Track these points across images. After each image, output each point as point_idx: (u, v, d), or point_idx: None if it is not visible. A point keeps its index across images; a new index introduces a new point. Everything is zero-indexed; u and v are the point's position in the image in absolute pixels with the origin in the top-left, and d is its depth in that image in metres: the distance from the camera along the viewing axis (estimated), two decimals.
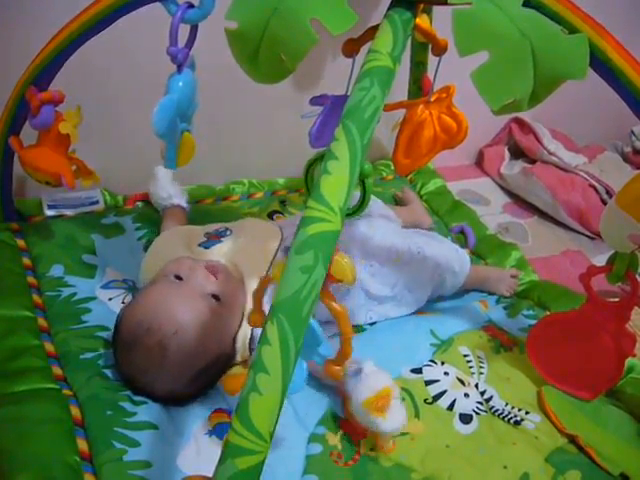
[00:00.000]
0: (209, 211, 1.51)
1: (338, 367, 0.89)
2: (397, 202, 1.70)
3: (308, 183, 0.84)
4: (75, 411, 1.01)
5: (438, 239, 1.40)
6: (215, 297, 1.09)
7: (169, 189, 1.42)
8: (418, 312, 1.35)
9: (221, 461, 0.61)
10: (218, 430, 1.04)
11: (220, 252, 1.21)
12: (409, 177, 1.80)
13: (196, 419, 1.05)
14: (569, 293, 1.43)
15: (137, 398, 1.05)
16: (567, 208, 1.82)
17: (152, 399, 1.06)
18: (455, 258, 1.36)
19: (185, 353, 1.03)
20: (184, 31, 1.01)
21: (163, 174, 1.43)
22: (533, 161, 1.96)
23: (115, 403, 1.03)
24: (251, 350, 1.11)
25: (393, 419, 1.02)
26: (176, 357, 1.02)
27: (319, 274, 0.66)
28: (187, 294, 1.07)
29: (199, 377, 1.06)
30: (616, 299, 1.15)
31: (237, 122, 1.58)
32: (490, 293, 1.46)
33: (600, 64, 0.88)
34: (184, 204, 1.43)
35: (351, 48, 0.93)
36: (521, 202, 1.93)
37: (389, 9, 0.88)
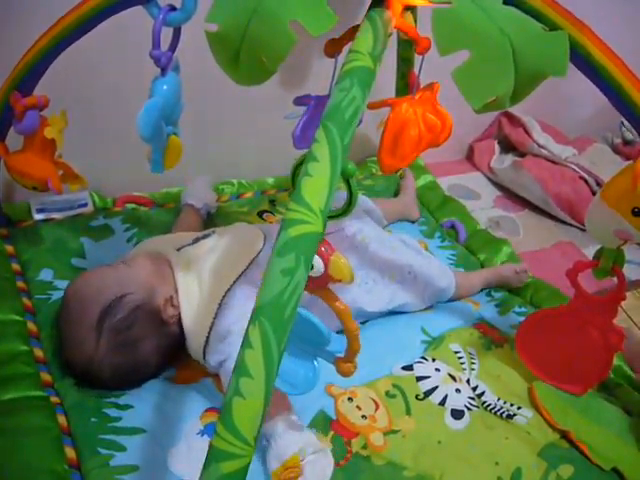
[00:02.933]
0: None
1: (349, 364, 0.90)
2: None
3: (295, 185, 0.84)
4: (62, 419, 1.02)
5: (423, 254, 1.41)
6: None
7: (200, 192, 1.47)
8: None
9: (206, 465, 0.61)
10: (209, 430, 1.04)
11: (203, 248, 1.21)
12: (399, 173, 1.80)
13: (187, 419, 1.06)
14: (561, 294, 1.43)
15: (122, 402, 1.06)
16: (558, 200, 1.82)
17: (90, 381, 1.07)
18: (442, 275, 1.37)
19: (79, 300, 1.08)
20: (168, 34, 1.01)
21: (203, 181, 1.50)
22: (523, 154, 1.96)
23: (100, 409, 1.04)
24: (204, 353, 1.09)
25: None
26: (75, 306, 1.08)
27: (301, 276, 0.66)
28: None
29: (111, 333, 1.06)
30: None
31: (224, 123, 1.58)
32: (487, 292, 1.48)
33: (581, 60, 0.88)
34: (200, 206, 1.45)
35: (333, 48, 0.93)
36: (512, 196, 1.93)
37: (370, 9, 0.88)
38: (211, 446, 0.62)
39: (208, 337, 1.09)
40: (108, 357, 1.06)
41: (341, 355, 0.91)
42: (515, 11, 0.86)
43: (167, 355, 1.13)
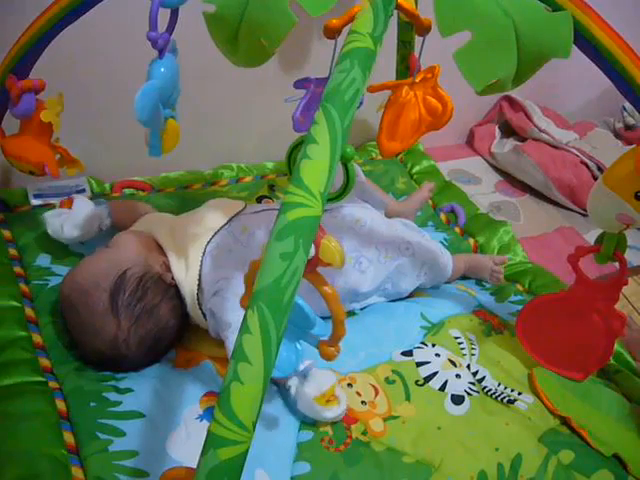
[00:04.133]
0: (197, 196, 1.50)
1: (332, 348, 0.89)
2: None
3: (291, 167, 0.83)
4: (61, 404, 1.01)
5: (423, 234, 1.39)
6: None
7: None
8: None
9: (204, 452, 0.61)
10: (209, 414, 1.03)
11: (182, 217, 1.25)
12: (399, 157, 1.79)
13: (186, 404, 1.05)
14: (560, 282, 1.43)
15: (122, 386, 1.05)
16: (559, 185, 1.81)
17: (117, 365, 1.08)
18: (441, 255, 1.36)
19: (82, 293, 1.08)
20: (165, 16, 1.00)
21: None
22: (524, 139, 1.96)
23: (99, 394, 1.03)
24: (199, 303, 1.12)
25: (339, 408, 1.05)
26: (80, 301, 1.07)
27: (300, 260, 0.65)
28: None
29: (128, 308, 1.08)
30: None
31: (223, 107, 1.56)
32: (477, 281, 1.47)
33: (584, 42, 0.87)
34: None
35: (332, 30, 0.91)
36: (513, 180, 1.92)
37: None
38: (209, 432, 0.61)
39: (200, 285, 1.12)
40: (133, 332, 1.07)
41: (325, 339, 0.90)
42: None
43: (182, 317, 1.15)
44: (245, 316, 0.63)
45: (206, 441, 0.61)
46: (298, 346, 0.91)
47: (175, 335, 1.14)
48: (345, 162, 0.75)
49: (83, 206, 1.25)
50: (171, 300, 1.13)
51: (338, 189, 0.78)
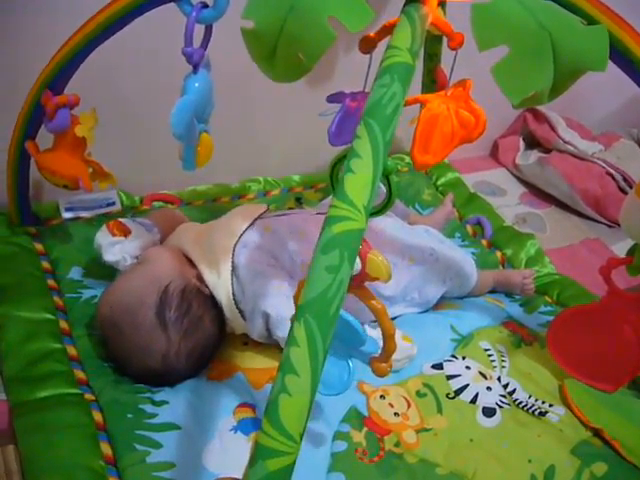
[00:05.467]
0: (224, 210, 1.50)
1: (384, 364, 0.91)
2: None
3: (333, 182, 0.84)
4: (97, 416, 1.02)
5: (447, 242, 1.40)
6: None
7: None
8: (436, 306, 1.35)
9: (251, 463, 0.61)
10: (242, 426, 1.04)
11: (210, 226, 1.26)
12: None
13: (220, 415, 1.05)
14: (588, 293, 1.43)
15: (158, 399, 1.06)
16: (584, 197, 1.80)
17: (165, 380, 1.09)
18: (465, 261, 1.36)
19: (126, 312, 1.08)
20: (199, 31, 1.01)
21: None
22: (548, 150, 1.95)
23: (135, 405, 1.04)
24: (236, 303, 1.13)
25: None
26: (125, 320, 1.08)
27: (345, 273, 0.66)
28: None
29: (176, 322, 1.08)
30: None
31: (250, 120, 1.58)
32: (506, 293, 1.46)
33: (619, 55, 0.88)
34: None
35: (368, 44, 0.92)
36: (538, 192, 1.91)
37: (405, 4, 0.88)
38: (257, 443, 0.61)
39: (233, 285, 1.13)
40: (183, 345, 1.08)
41: (376, 355, 0.91)
42: (553, 5, 0.85)
43: (222, 325, 1.16)
44: (292, 328, 0.64)
45: (253, 452, 0.61)
46: (350, 363, 0.91)
47: (218, 344, 1.16)
48: (386, 176, 0.75)
49: (139, 234, 1.24)
50: (212, 309, 1.14)
51: (380, 202, 0.79)
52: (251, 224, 1.21)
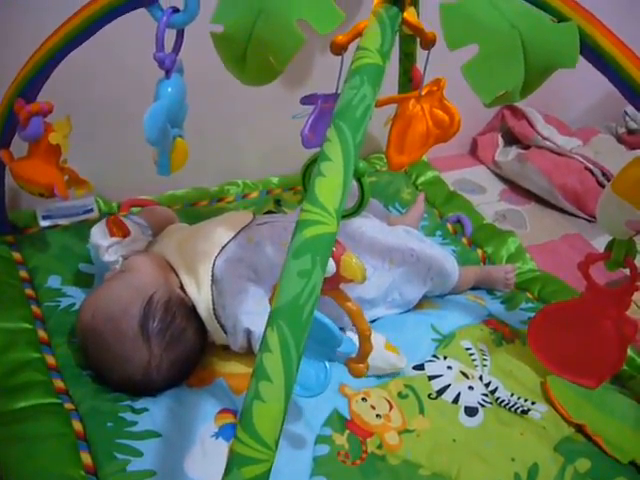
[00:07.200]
0: (203, 213, 1.50)
1: (361, 365, 0.90)
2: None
3: (306, 185, 0.83)
4: (77, 425, 1.01)
5: (427, 241, 1.40)
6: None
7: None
8: (417, 306, 1.35)
9: (227, 471, 0.61)
10: (224, 432, 1.03)
11: (187, 229, 1.26)
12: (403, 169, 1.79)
13: (202, 421, 1.05)
14: (569, 288, 1.43)
15: (138, 406, 1.05)
16: (564, 192, 1.81)
17: (145, 389, 1.08)
18: (446, 259, 1.36)
19: (109, 320, 1.06)
20: (171, 36, 1.01)
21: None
22: (527, 147, 1.96)
23: (116, 414, 1.03)
24: (217, 317, 1.12)
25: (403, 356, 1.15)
26: (107, 328, 1.06)
27: (317, 277, 0.65)
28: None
29: (159, 334, 1.07)
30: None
31: (227, 123, 1.57)
32: (487, 290, 1.46)
33: (590, 51, 0.87)
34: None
35: (339, 46, 0.92)
36: (517, 189, 1.92)
37: (376, 5, 0.87)
38: (232, 451, 0.61)
39: (214, 298, 1.12)
40: (164, 357, 1.07)
41: (352, 356, 0.90)
42: (523, 3, 0.85)
43: (205, 336, 1.15)
44: (265, 335, 0.63)
45: (229, 460, 0.61)
46: (327, 365, 0.91)
47: (200, 355, 1.15)
48: (359, 177, 0.75)
49: (137, 237, 1.23)
50: (194, 321, 1.13)
51: (352, 205, 0.79)
52: (235, 235, 1.19)
